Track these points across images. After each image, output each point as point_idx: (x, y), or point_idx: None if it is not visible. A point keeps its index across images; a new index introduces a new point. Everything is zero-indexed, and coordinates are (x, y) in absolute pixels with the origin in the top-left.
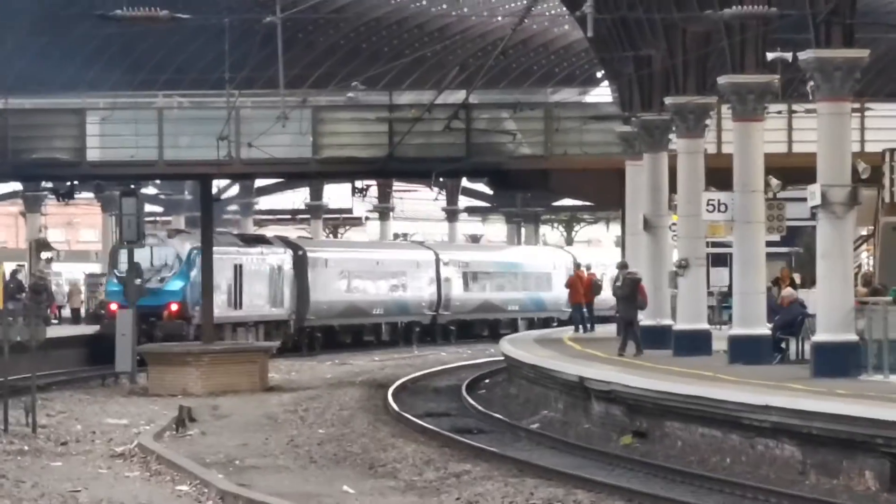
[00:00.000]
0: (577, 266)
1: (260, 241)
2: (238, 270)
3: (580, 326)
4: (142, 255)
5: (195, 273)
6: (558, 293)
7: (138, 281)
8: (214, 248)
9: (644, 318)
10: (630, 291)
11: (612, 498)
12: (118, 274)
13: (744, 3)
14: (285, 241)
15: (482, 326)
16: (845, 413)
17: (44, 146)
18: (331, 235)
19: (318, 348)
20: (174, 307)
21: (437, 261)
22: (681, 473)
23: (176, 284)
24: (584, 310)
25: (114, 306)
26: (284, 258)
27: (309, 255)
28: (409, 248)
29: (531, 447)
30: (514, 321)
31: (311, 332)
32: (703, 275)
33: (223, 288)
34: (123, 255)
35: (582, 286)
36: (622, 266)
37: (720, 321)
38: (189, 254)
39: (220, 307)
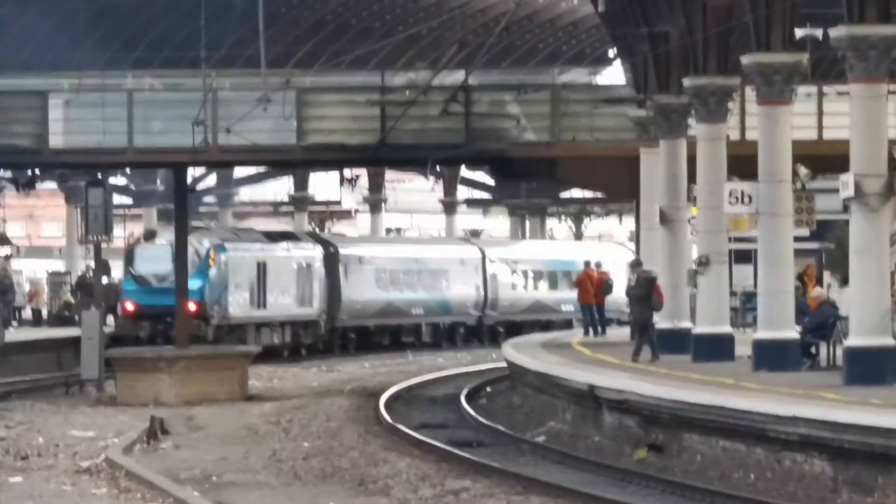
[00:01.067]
0: (587, 264)
1: (287, 237)
2: (262, 268)
3: (591, 329)
4: (159, 254)
5: (214, 272)
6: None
7: (156, 280)
8: (236, 245)
9: (661, 321)
10: (645, 291)
11: None
12: (134, 273)
13: None
14: (315, 238)
15: (533, 327)
16: (881, 425)
17: (2, 131)
18: (317, 229)
19: (352, 350)
20: (192, 307)
21: (484, 258)
22: (700, 491)
23: (194, 283)
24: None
25: (129, 306)
26: (314, 255)
27: (341, 252)
28: (453, 244)
29: (536, 462)
30: (570, 322)
31: (344, 333)
32: (726, 273)
33: (245, 287)
34: (139, 254)
35: (592, 285)
36: (636, 264)
37: (744, 324)
38: (208, 252)
39: (242, 307)
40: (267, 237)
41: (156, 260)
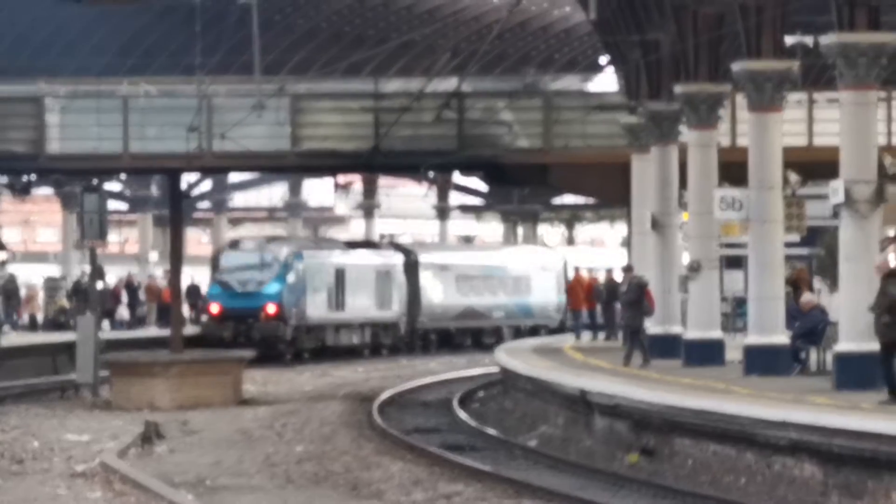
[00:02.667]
0: (577, 269)
1: (367, 245)
2: (340, 274)
3: (582, 334)
4: (242, 260)
5: (292, 277)
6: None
7: (239, 284)
8: (314, 253)
9: (652, 326)
10: (636, 296)
11: None
12: (219, 278)
13: None
14: (396, 246)
15: None
16: (870, 429)
17: None
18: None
19: (434, 350)
20: (271, 309)
21: (566, 264)
22: (691, 495)
23: (273, 288)
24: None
25: (215, 308)
26: (394, 262)
27: (421, 259)
28: (534, 251)
29: (528, 466)
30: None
31: (425, 334)
32: (716, 278)
33: (323, 291)
34: (224, 260)
35: (582, 291)
36: (627, 269)
37: (734, 329)
38: (286, 259)
39: (320, 309)
40: (347, 245)
41: (239, 266)
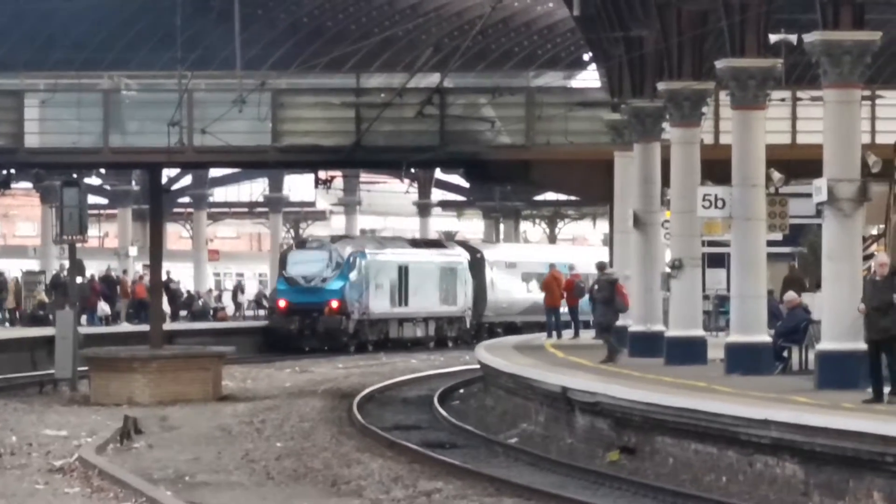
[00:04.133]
0: (552, 265)
1: (432, 244)
2: (403, 271)
3: (554, 332)
4: (307, 258)
5: (354, 274)
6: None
7: (304, 280)
8: (376, 251)
9: (634, 324)
10: (608, 294)
11: None
12: (286, 275)
13: None
14: (462, 244)
15: None
16: (852, 429)
17: None
18: (291, 230)
19: None
20: (334, 304)
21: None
22: (672, 493)
23: (336, 284)
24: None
25: (282, 303)
26: (460, 260)
27: (487, 257)
28: (600, 249)
29: (509, 463)
30: None
31: (491, 328)
32: (699, 276)
33: (385, 287)
34: (291, 258)
35: (558, 288)
36: (600, 267)
37: (717, 327)
38: (348, 257)
39: (383, 304)
40: (411, 244)
41: (305, 263)
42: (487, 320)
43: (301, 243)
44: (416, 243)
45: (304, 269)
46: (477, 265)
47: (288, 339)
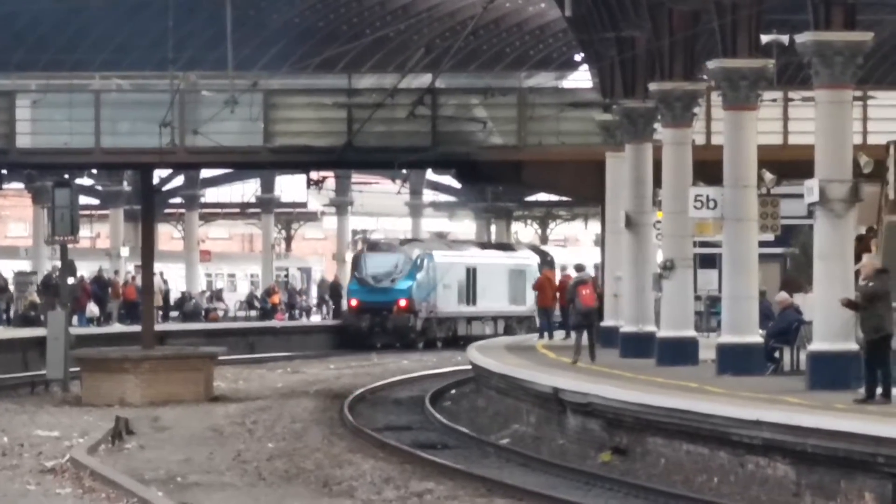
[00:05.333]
0: (548, 266)
1: (501, 247)
2: (471, 272)
3: (546, 333)
4: (378, 260)
5: (421, 275)
6: None
7: (374, 281)
8: (444, 253)
9: (625, 325)
10: (571, 294)
11: None
12: (357, 275)
13: None
14: (532, 248)
15: None
16: (844, 429)
17: None
18: (283, 231)
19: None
20: (403, 303)
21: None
22: (664, 494)
23: (405, 284)
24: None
25: (353, 302)
26: (529, 262)
27: (557, 260)
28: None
29: (500, 464)
30: None
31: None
32: (690, 277)
33: (453, 286)
34: (362, 260)
35: (551, 289)
36: (579, 269)
37: (708, 328)
38: (416, 259)
39: (450, 303)
40: (480, 247)
41: (375, 265)
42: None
43: (372, 246)
44: (485, 246)
45: (374, 270)
46: (547, 267)
47: (359, 336)
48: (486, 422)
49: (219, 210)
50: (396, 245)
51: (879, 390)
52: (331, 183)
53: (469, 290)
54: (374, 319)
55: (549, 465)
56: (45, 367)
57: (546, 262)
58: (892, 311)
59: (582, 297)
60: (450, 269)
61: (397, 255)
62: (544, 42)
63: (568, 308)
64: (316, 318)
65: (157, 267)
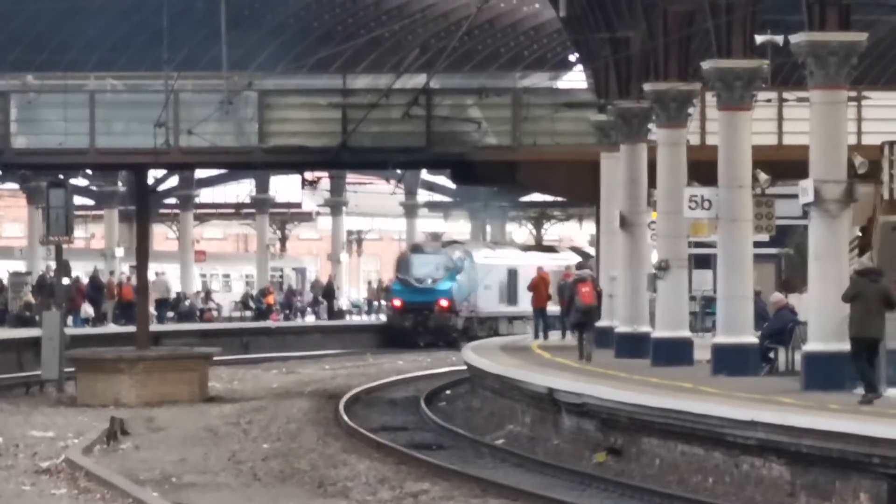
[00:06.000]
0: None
1: (544, 248)
2: (513, 273)
3: (540, 333)
4: (421, 262)
5: (462, 276)
6: None
7: (417, 282)
8: (486, 254)
9: (620, 325)
10: (570, 293)
11: None
12: (401, 276)
13: None
14: (575, 250)
15: None
16: (838, 430)
17: None
18: (277, 231)
19: None
20: (444, 303)
21: None
22: (659, 494)
23: (446, 285)
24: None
25: (397, 302)
26: (571, 264)
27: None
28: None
29: (495, 465)
30: None
31: None
32: (685, 277)
33: (494, 287)
34: (405, 261)
35: (546, 289)
36: (580, 266)
37: (703, 328)
38: (457, 261)
39: (491, 303)
40: (523, 249)
41: (419, 266)
42: None
43: (415, 248)
44: (527, 248)
45: (417, 271)
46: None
47: (403, 335)
48: (480, 422)
49: (213, 210)
50: (438, 247)
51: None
52: (325, 183)
53: (510, 291)
54: (416, 319)
55: (544, 466)
56: (40, 368)
57: (588, 263)
58: (869, 314)
59: (581, 294)
60: (491, 271)
61: (439, 257)
62: (539, 42)
63: (569, 307)
64: (310, 319)
65: (153, 267)
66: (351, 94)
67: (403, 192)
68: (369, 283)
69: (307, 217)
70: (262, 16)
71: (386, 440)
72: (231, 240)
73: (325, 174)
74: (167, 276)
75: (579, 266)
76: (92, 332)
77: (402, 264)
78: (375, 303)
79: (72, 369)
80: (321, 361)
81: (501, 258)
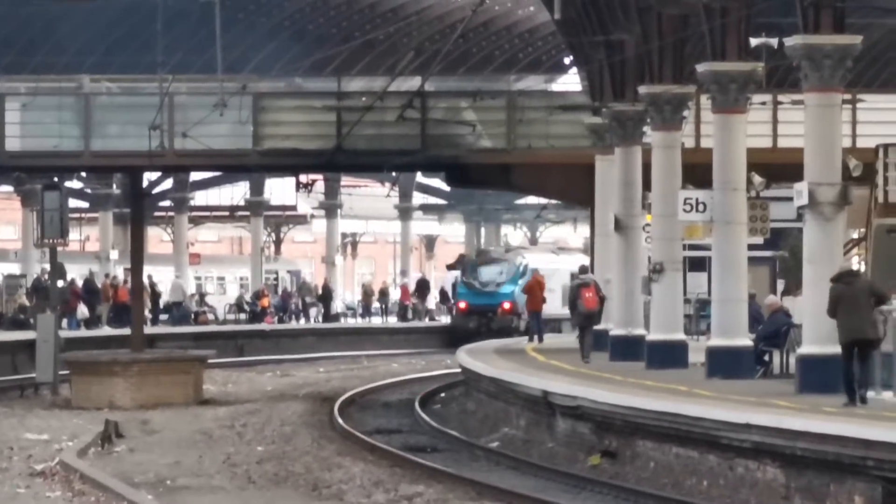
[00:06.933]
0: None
1: None
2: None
3: (535, 336)
4: (485, 266)
5: (524, 280)
6: None
7: (480, 285)
8: (547, 259)
9: (615, 328)
10: (573, 296)
11: None
12: (465, 280)
13: None
14: None
15: None
16: (833, 432)
17: None
18: (272, 234)
19: None
20: (506, 305)
21: None
22: (653, 497)
23: (508, 288)
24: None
25: (462, 304)
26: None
27: None
28: None
29: (490, 468)
30: None
31: None
32: (680, 280)
33: (556, 291)
34: (470, 266)
35: (541, 292)
36: (583, 270)
37: (698, 331)
38: (519, 265)
39: (553, 306)
40: (587, 254)
41: (484, 271)
42: None
43: (480, 253)
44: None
45: (482, 275)
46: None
47: (467, 336)
48: (475, 425)
49: (208, 213)
50: (502, 253)
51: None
52: (320, 186)
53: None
54: (480, 320)
55: (539, 469)
56: (35, 370)
57: None
58: (857, 315)
59: (584, 299)
60: (552, 275)
61: (503, 262)
62: (533, 45)
63: (572, 310)
64: (303, 322)
65: (147, 270)
66: (346, 97)
67: (398, 195)
68: (367, 285)
69: (302, 220)
70: (257, 19)
71: (381, 443)
72: (226, 242)
73: (319, 177)
74: (182, 279)
75: (582, 270)
76: (86, 335)
77: (469, 269)
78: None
79: (66, 372)
80: (315, 364)
81: (563, 263)
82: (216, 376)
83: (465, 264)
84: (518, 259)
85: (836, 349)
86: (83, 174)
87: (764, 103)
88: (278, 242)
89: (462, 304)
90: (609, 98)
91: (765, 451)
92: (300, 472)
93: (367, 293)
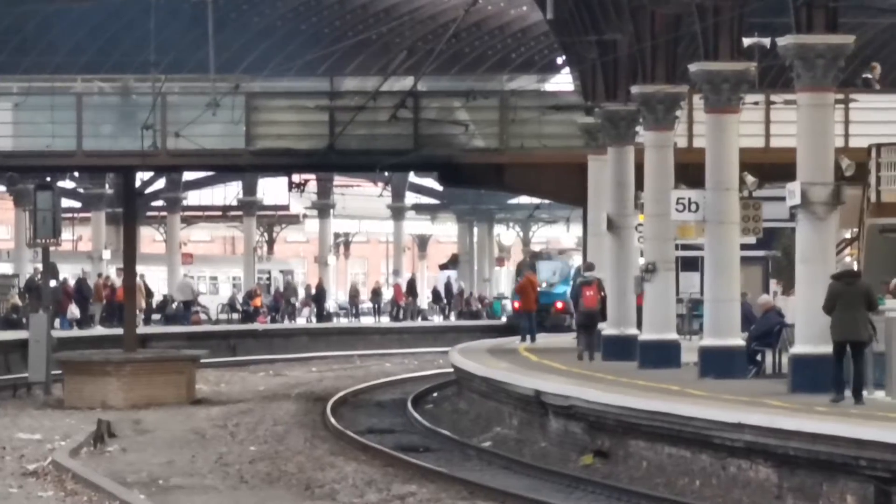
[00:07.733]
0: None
1: None
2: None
3: (527, 336)
4: (541, 267)
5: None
6: None
7: None
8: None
9: (607, 327)
10: (575, 295)
11: None
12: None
13: None
14: None
15: None
16: (825, 432)
17: None
18: (265, 234)
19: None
20: (559, 304)
21: None
22: (646, 497)
23: (561, 289)
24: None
25: (517, 304)
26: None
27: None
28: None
29: (482, 467)
30: None
31: None
32: (672, 280)
33: None
34: (533, 267)
35: (533, 292)
36: (588, 268)
37: (690, 331)
38: (573, 267)
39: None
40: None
41: (539, 272)
42: None
43: (535, 255)
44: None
45: (538, 276)
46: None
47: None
48: (468, 425)
49: (201, 213)
50: (556, 254)
51: (847, 392)
52: (313, 186)
53: None
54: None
55: (531, 468)
56: (28, 370)
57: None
58: (852, 316)
59: (585, 298)
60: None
61: (555, 263)
62: (526, 45)
63: (575, 308)
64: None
65: (140, 270)
66: (338, 97)
67: (391, 195)
68: (353, 285)
69: (294, 219)
70: (249, 18)
71: (373, 442)
72: (218, 242)
73: (312, 177)
74: (193, 278)
75: (587, 268)
76: (79, 335)
77: (525, 269)
78: (373, 305)
79: (59, 372)
80: (308, 364)
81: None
82: (209, 376)
83: (520, 265)
84: (570, 261)
85: (829, 349)
86: (76, 174)
87: (756, 103)
88: (271, 242)
89: (516, 304)
90: (602, 98)
91: (757, 451)
92: (293, 471)
93: (353, 293)
